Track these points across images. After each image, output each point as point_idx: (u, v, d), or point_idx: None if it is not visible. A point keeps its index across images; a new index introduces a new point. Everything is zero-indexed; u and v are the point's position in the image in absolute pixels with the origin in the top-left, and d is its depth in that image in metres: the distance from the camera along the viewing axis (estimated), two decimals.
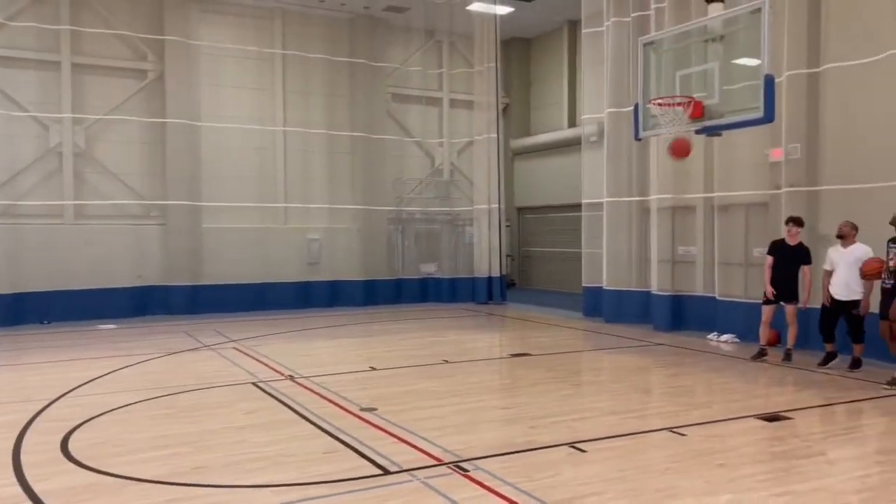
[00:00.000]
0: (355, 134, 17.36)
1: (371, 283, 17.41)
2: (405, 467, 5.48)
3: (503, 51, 19.24)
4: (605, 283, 14.27)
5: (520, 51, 21.46)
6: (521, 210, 22.02)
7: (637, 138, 10.94)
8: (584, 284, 15.17)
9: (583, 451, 5.90)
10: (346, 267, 17.24)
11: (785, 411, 7.20)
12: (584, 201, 15.21)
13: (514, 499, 4.83)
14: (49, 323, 13.89)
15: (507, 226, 20.10)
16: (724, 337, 11.79)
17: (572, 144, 18.37)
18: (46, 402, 7.56)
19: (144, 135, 15.40)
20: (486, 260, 18.13)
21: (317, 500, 4.85)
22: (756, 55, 8.69)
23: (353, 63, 17.37)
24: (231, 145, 16.18)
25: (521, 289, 21.17)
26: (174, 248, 15.39)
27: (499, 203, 18.17)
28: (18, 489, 5.05)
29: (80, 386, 8.41)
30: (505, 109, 20.64)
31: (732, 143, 11.64)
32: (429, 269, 18.51)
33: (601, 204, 14.42)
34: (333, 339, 12.48)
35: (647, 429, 6.69)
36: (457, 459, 5.65)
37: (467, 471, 5.39)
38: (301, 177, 17.06)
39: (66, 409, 7.32)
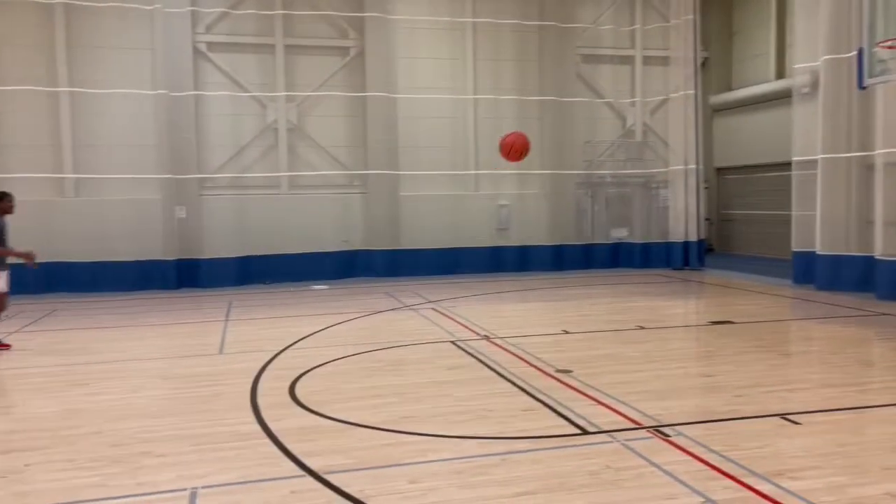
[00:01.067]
0: (544, 98, 17.28)
1: (560, 248, 17.39)
2: (604, 428, 5.51)
3: (702, 1, 18.06)
4: (819, 248, 13.12)
5: (720, 0, 20.01)
6: (720, 171, 20.74)
7: (861, 87, 9.88)
8: (793, 249, 14.07)
9: (796, 423, 5.57)
10: (535, 232, 17.36)
11: None
12: (794, 159, 14.02)
13: (720, 466, 4.70)
14: (271, 283, 15.44)
15: (706, 187, 19.05)
16: None
17: (780, 98, 17.00)
18: (274, 353, 8.46)
19: (347, 108, 16.43)
20: (682, 224, 17.36)
21: (520, 455, 5.04)
22: None
23: (542, 26, 17.23)
24: (425, 115, 16.79)
25: (721, 254, 20.05)
26: (375, 215, 16.37)
27: (696, 163, 17.27)
28: (258, 427, 5.75)
29: (300, 339, 9.31)
30: (703, 64, 19.42)
31: None
32: (620, 234, 18.10)
33: (815, 161, 13.22)
34: (525, 303, 12.68)
35: (870, 403, 6.16)
36: (657, 424, 5.58)
37: (668, 436, 5.31)
38: (491, 144, 17.16)
39: (291, 360, 8.16)
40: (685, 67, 17.33)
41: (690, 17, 17.10)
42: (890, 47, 8.52)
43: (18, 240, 14.75)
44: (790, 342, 9.42)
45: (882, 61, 8.88)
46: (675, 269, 17.27)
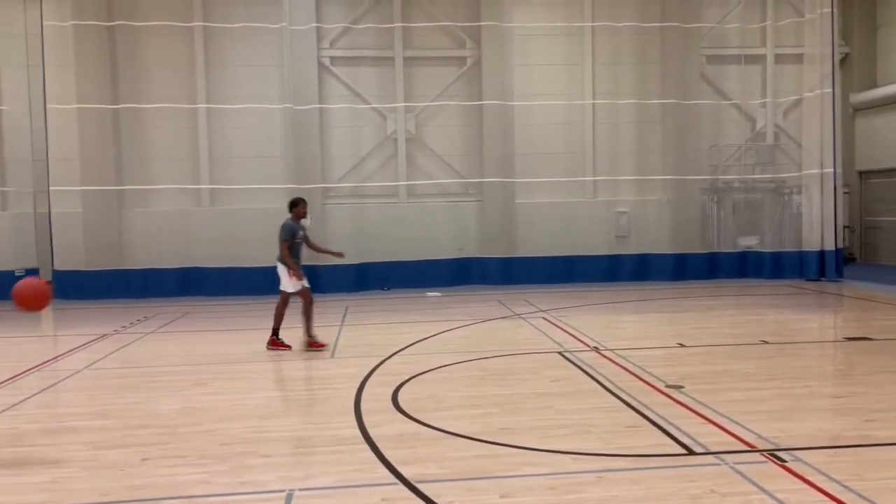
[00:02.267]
0: (666, 101, 16.66)
1: (682, 257, 16.66)
2: (712, 450, 5.21)
3: None
4: None
5: None
6: (863, 174, 19.18)
7: None
8: None
9: None
10: (655, 240, 16.75)
11: None
12: None
13: (841, 497, 4.31)
14: (388, 289, 15.81)
15: (846, 192, 17.69)
16: None
17: None
18: (382, 359, 8.64)
19: (463, 117, 16.59)
20: (818, 231, 16.18)
21: (617, 473, 4.85)
22: None
23: (664, 28, 16.64)
24: (541, 121, 16.66)
25: (864, 264, 18.52)
26: (490, 222, 16.39)
27: (834, 167, 16.05)
28: (358, 432, 5.87)
29: (409, 346, 9.46)
30: (843, 60, 18.09)
31: None
32: (748, 242, 17.11)
33: None
34: (640, 314, 12.25)
35: None
36: (772, 447, 5.20)
37: (784, 461, 4.94)
38: (609, 149, 16.93)
39: (397, 366, 8.29)
40: (822, 65, 16.17)
41: (828, 10, 15.96)
42: None
43: (161, 247, 15.92)
44: None
45: None
46: (809, 280, 16.11)
